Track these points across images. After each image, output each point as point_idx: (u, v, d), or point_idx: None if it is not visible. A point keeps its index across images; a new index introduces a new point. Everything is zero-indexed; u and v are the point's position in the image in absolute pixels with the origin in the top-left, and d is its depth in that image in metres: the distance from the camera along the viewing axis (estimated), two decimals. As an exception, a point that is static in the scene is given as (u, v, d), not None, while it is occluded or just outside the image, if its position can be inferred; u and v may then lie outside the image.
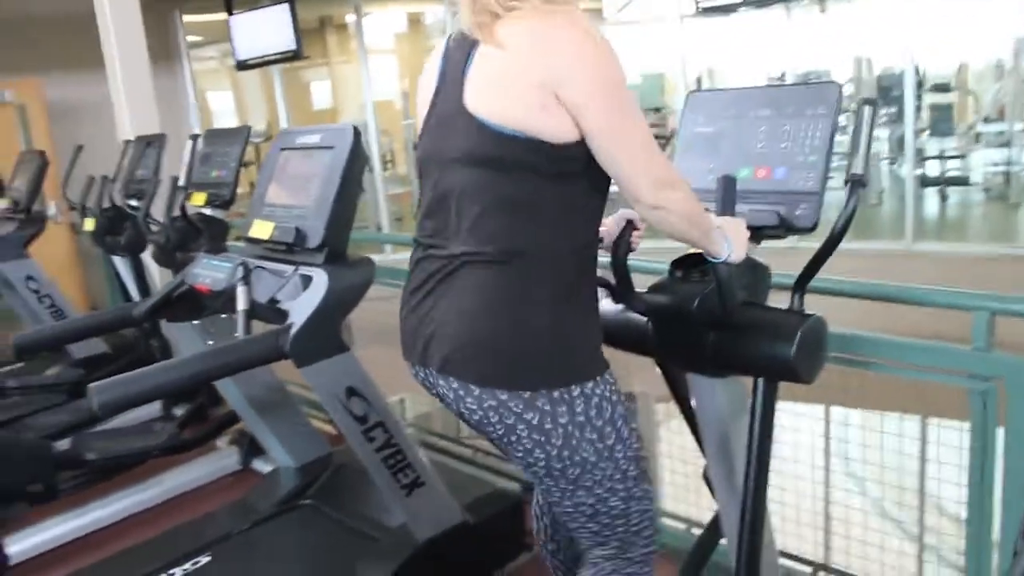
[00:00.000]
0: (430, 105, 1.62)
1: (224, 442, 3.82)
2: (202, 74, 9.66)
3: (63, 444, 3.33)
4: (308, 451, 3.13)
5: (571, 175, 1.50)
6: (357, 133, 2.31)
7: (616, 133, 1.47)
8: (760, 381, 1.72)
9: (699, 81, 10.01)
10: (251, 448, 3.66)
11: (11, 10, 7.04)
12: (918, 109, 8.35)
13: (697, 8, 6.41)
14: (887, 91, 9.99)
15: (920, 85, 8.71)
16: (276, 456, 3.15)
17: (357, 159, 2.29)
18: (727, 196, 1.62)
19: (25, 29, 7.28)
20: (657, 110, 10.82)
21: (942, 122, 9.99)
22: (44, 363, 4.67)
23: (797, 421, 2.91)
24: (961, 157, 9.83)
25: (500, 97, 1.47)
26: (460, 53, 1.54)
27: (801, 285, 1.68)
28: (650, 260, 2.20)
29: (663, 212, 1.49)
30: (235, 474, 3.69)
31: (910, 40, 7.30)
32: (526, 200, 1.49)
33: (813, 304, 1.73)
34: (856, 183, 1.60)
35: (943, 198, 9.54)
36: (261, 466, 3.64)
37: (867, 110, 1.61)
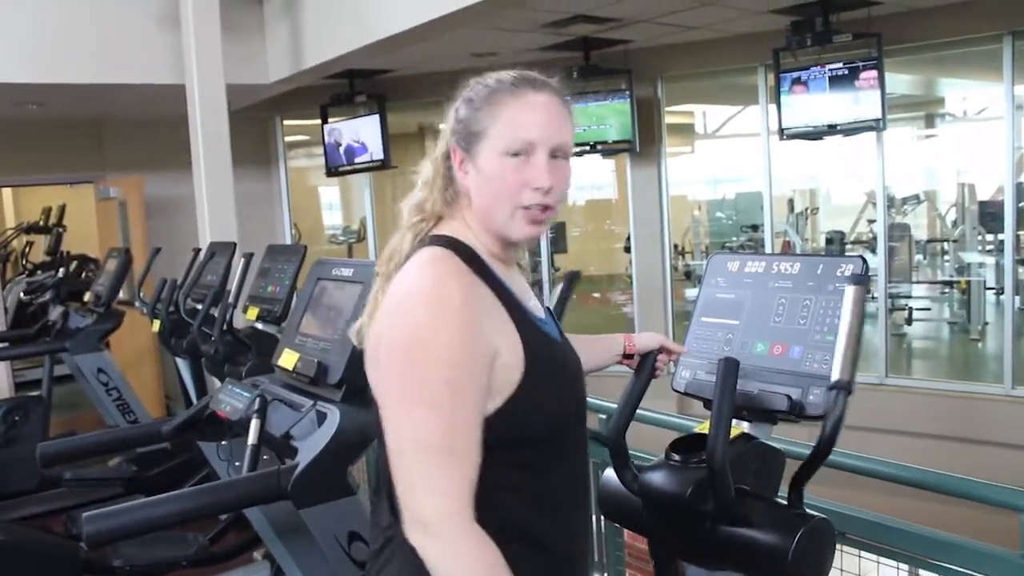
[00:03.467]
0: None
1: (260, 554, 3.78)
2: (312, 170, 10.06)
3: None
4: (329, 580, 3.04)
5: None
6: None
7: (389, 418, 1.22)
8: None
9: (791, 202, 9.84)
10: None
11: (118, 114, 7.55)
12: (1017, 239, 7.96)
13: (782, 135, 6.33)
14: (991, 218, 9.61)
15: (1024, 213, 8.32)
16: (295, 583, 3.07)
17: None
18: (727, 381, 1.51)
19: (130, 130, 7.80)
20: (754, 228, 10.65)
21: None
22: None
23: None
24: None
25: None
26: None
27: (796, 488, 1.54)
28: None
29: (425, 558, 1.16)
30: (265, 590, 3.63)
31: (1011, 167, 7.01)
32: None
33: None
34: (840, 390, 1.45)
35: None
36: (291, 585, 3.56)
37: (853, 290, 1.49)
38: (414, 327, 1.20)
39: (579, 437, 1.41)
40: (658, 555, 1.73)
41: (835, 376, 1.47)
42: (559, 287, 2.04)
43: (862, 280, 1.51)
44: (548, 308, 1.48)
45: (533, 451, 1.29)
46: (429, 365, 1.18)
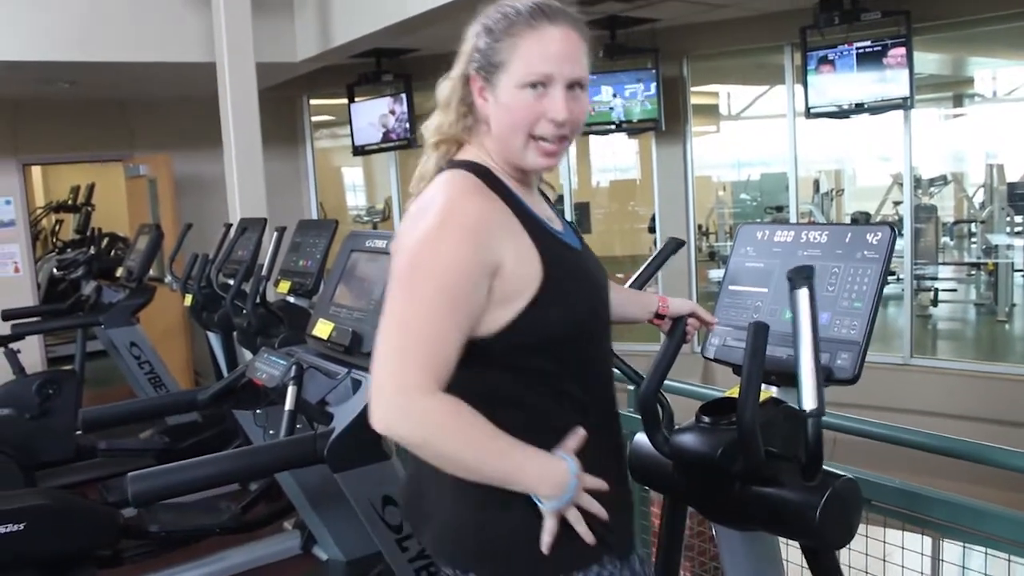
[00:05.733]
0: None
1: (291, 523, 3.86)
2: (337, 151, 10.12)
3: (130, 512, 3.43)
4: (359, 547, 3.10)
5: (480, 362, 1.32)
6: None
7: (385, 305, 1.31)
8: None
9: (816, 183, 9.79)
10: (313, 534, 3.68)
11: (147, 92, 7.63)
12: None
13: (808, 112, 6.29)
14: (1020, 199, 9.51)
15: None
16: (326, 548, 3.15)
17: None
18: (757, 344, 1.54)
19: (159, 109, 7.89)
20: (779, 209, 10.62)
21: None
22: (139, 426, 4.88)
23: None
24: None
25: None
26: None
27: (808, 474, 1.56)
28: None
29: (398, 428, 1.24)
30: (295, 558, 3.71)
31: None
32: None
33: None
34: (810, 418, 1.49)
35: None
36: (321, 553, 3.64)
37: (800, 296, 1.49)
38: (422, 234, 1.29)
39: (602, 344, 1.47)
40: (671, 510, 1.76)
41: (807, 405, 1.49)
42: (660, 247, 2.06)
43: (808, 282, 1.50)
44: (569, 222, 1.54)
45: (557, 355, 1.35)
46: (427, 266, 1.27)
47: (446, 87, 1.43)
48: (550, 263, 1.33)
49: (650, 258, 2.03)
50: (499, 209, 1.34)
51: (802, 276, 1.50)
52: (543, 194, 1.52)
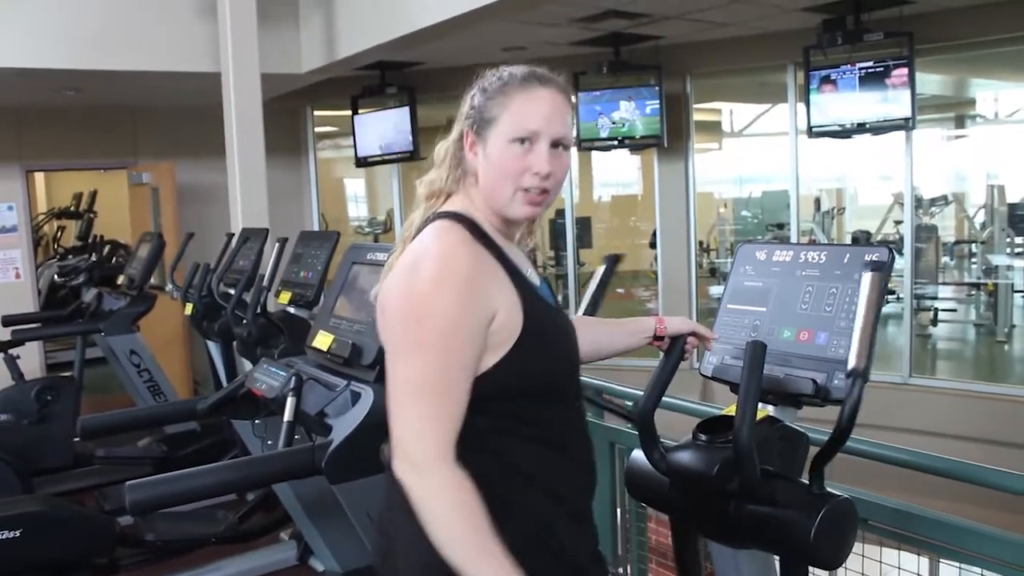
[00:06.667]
0: None
1: (287, 534, 3.85)
2: (339, 162, 10.15)
3: (126, 521, 3.43)
4: (354, 558, 3.10)
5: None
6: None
7: (391, 362, 1.37)
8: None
9: (818, 201, 9.81)
10: (309, 545, 3.68)
11: (152, 101, 7.67)
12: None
13: (810, 131, 6.32)
14: (1021, 220, 9.52)
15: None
16: (322, 560, 3.15)
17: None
18: (754, 363, 1.55)
19: (164, 118, 7.91)
20: (780, 226, 10.64)
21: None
22: (137, 434, 4.88)
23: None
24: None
25: None
26: None
27: (816, 469, 1.58)
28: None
29: (417, 491, 1.30)
30: (291, 569, 3.70)
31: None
32: None
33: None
34: (856, 377, 1.50)
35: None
36: (317, 564, 3.64)
37: (870, 277, 1.52)
38: (419, 284, 1.34)
39: (572, 392, 1.53)
40: (680, 534, 1.77)
41: (851, 363, 1.51)
42: (599, 270, 2.09)
43: (881, 267, 1.55)
44: (544, 278, 1.60)
45: (531, 401, 1.42)
46: (429, 318, 1.32)
47: (442, 147, 1.53)
48: (529, 315, 1.40)
49: (593, 282, 2.07)
50: (488, 259, 1.41)
51: (877, 264, 1.59)
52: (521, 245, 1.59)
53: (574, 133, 1.54)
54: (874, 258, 1.63)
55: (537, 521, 1.41)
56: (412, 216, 1.52)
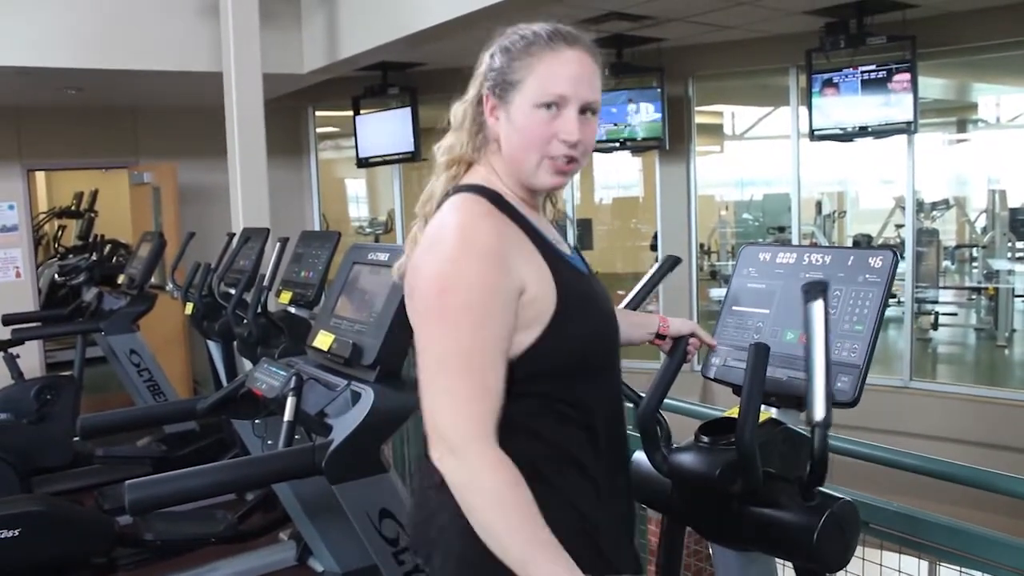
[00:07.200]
0: None
1: (286, 534, 3.84)
2: (340, 162, 10.15)
3: (126, 520, 3.43)
4: (354, 559, 3.09)
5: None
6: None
7: (419, 341, 1.29)
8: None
9: (819, 205, 9.80)
10: (308, 545, 3.67)
11: (153, 101, 7.67)
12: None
13: (812, 134, 6.32)
14: (1022, 224, 9.52)
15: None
16: (322, 560, 3.14)
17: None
18: (757, 364, 1.54)
19: (165, 117, 7.92)
20: (781, 229, 10.64)
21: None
22: (136, 433, 4.88)
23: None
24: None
25: None
26: None
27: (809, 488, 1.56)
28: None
29: (448, 480, 1.22)
30: (290, 569, 3.69)
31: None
32: None
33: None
34: (817, 428, 1.47)
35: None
36: (316, 565, 3.63)
37: (816, 306, 1.49)
38: (445, 260, 1.27)
39: (613, 366, 1.46)
40: (670, 535, 1.76)
41: (816, 415, 1.46)
42: (656, 265, 2.05)
43: (823, 290, 1.50)
44: (575, 247, 1.52)
45: (572, 381, 1.35)
46: (457, 292, 1.24)
47: (460, 109, 1.44)
48: (563, 287, 1.33)
49: (647, 276, 2.04)
50: (513, 232, 1.33)
51: (817, 289, 1.51)
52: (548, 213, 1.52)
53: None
54: (811, 282, 1.54)
55: (574, 503, 1.33)
56: (432, 185, 1.45)
